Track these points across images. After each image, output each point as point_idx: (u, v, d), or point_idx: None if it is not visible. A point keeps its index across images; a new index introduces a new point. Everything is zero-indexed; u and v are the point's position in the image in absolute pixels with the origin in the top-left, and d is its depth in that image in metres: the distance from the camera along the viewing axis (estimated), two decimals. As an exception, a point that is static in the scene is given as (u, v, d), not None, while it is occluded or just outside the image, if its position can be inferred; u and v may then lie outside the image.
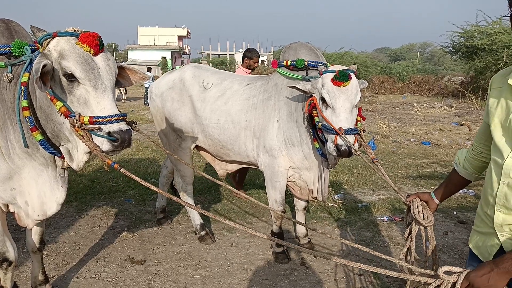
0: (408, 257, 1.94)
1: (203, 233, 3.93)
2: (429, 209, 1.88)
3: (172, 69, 21.09)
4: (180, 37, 60.06)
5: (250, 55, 5.20)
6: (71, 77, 1.93)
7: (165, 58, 49.14)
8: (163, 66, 45.54)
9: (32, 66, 2.11)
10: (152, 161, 6.91)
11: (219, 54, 63.09)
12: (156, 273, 3.29)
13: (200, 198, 5.13)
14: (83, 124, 1.91)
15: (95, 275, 3.24)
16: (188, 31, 61.75)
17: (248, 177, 6.01)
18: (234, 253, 3.68)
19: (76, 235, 4.00)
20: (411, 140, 9.41)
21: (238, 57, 55.20)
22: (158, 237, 4.00)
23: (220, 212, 4.72)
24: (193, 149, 3.93)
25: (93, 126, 1.92)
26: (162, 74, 27.56)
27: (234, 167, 4.02)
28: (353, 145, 2.74)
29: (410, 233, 1.91)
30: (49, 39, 1.98)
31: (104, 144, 1.94)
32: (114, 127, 1.94)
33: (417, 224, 1.86)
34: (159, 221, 4.30)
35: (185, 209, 4.34)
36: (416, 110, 15.59)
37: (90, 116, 1.92)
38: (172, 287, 3.10)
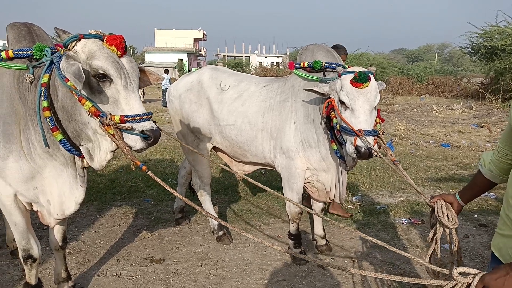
0: (433, 259, 1.91)
1: (220, 233, 3.95)
2: (454, 211, 1.86)
3: (188, 71, 21.25)
4: (196, 39, 60.50)
5: (338, 52, 4.71)
6: (102, 77, 1.98)
7: (181, 60, 49.61)
8: (180, 68, 45.95)
9: (52, 68, 2.17)
10: (170, 161, 6.99)
11: (234, 56, 63.37)
12: (175, 272, 3.33)
13: (218, 198, 5.16)
14: (116, 123, 1.96)
15: (116, 273, 3.29)
16: (204, 33, 62.15)
17: (264, 178, 6.03)
18: (251, 254, 3.69)
19: (97, 233, 4.07)
20: (430, 142, 9.28)
21: (254, 59, 55.37)
22: (177, 236, 4.05)
23: (237, 213, 4.74)
24: (211, 150, 3.97)
25: (125, 125, 1.97)
26: (179, 76, 27.82)
27: (251, 168, 4.04)
28: (373, 146, 2.74)
29: (434, 234, 1.89)
30: (75, 41, 2.03)
31: (138, 143, 2.00)
32: (146, 125, 2.00)
33: (441, 226, 1.84)
34: (177, 220, 4.35)
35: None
36: (435, 111, 15.38)
37: (121, 115, 1.97)
38: (190, 286, 3.13)
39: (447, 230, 1.84)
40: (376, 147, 2.77)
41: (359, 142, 2.74)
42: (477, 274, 1.34)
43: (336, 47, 4.49)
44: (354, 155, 2.79)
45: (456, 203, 1.88)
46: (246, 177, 2.61)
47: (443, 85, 23.79)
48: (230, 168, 3.95)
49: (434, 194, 2.10)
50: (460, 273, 1.36)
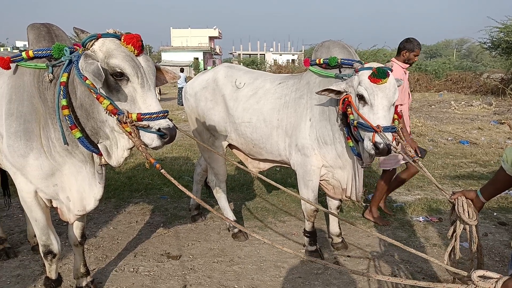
0: (452, 257, 1.89)
1: (236, 230, 3.97)
2: (475, 208, 1.83)
3: (204, 69, 21.36)
4: (211, 38, 60.70)
5: (411, 47, 4.16)
6: (119, 76, 2.02)
7: (197, 59, 49.81)
8: (195, 66, 46.18)
9: (71, 67, 2.22)
10: (186, 159, 7.05)
11: (250, 54, 63.33)
12: (191, 268, 3.36)
13: (233, 195, 5.19)
14: (133, 121, 1.99)
15: (133, 268, 3.34)
16: (219, 32, 62.34)
17: (279, 176, 6.03)
18: (266, 251, 3.70)
19: (115, 230, 4.14)
20: (448, 139, 9.12)
21: (269, 57, 55.27)
22: (193, 233, 4.09)
23: (252, 210, 4.75)
24: (226, 147, 3.99)
25: (141, 122, 2.00)
26: (195, 74, 28.04)
27: (266, 166, 4.04)
28: (392, 142, 2.71)
29: (454, 231, 1.86)
30: (93, 40, 2.07)
31: (155, 141, 2.03)
32: (163, 123, 2.03)
33: (461, 223, 1.82)
34: (193, 217, 4.39)
35: (218, 206, 4.40)
36: (453, 108, 15.13)
37: (137, 113, 2.00)
38: (207, 282, 3.16)
39: (467, 227, 1.81)
40: (394, 143, 2.75)
41: (377, 139, 2.72)
42: (499, 279, 1.28)
43: (409, 41, 4.19)
44: (373, 152, 2.77)
45: (478, 200, 1.85)
46: (260, 176, 2.63)
47: (462, 81, 23.38)
48: (244, 166, 3.96)
49: (455, 190, 2.07)
50: (480, 277, 1.31)
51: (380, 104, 2.76)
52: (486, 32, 19.58)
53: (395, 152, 2.68)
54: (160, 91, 20.20)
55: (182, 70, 19.83)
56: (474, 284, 1.31)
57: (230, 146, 4.01)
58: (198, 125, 3.97)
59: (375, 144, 2.72)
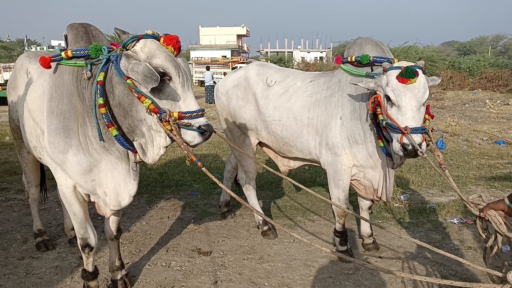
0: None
1: (265, 228, 3.98)
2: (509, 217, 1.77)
3: (233, 68, 21.46)
4: (239, 36, 60.88)
5: None
6: (161, 76, 2.06)
7: (225, 57, 50.09)
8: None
9: (108, 66, 2.27)
10: (215, 156, 7.12)
11: (277, 52, 63.22)
12: (221, 265, 3.40)
13: (262, 193, 5.20)
14: (176, 119, 2.04)
15: (166, 263, 3.41)
16: (247, 30, 62.43)
17: (308, 175, 6.00)
18: (296, 249, 3.69)
19: (147, 225, 4.23)
20: (483, 139, 8.83)
21: (296, 54, 54.95)
22: (223, 230, 4.13)
23: (281, 209, 4.75)
24: (257, 145, 4.00)
25: (183, 121, 2.05)
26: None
27: (296, 164, 4.03)
28: (421, 144, 2.64)
29: (492, 241, 1.81)
30: (135, 41, 2.12)
31: (196, 138, 2.10)
32: (202, 121, 2.09)
33: (503, 237, 1.76)
34: (223, 214, 4.43)
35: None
36: (489, 107, 14.63)
37: (179, 112, 2.06)
38: (237, 279, 3.19)
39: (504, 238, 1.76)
40: (424, 145, 2.68)
41: (405, 140, 2.66)
42: None
43: None
44: (401, 153, 2.72)
45: (508, 208, 1.78)
46: (288, 178, 2.57)
47: (498, 79, 22.61)
48: (271, 167, 3.96)
49: (479, 202, 2.00)
50: None
51: (409, 104, 2.70)
52: (525, 27, 18.80)
53: (422, 156, 2.59)
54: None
55: (208, 68, 20.00)
56: (510, 284, 1.32)
57: (261, 144, 4.02)
58: (229, 123, 4.00)
59: (403, 146, 2.68)
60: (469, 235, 3.98)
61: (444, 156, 6.93)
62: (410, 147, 2.65)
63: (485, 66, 27.10)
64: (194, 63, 27.52)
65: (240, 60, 23.77)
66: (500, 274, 1.43)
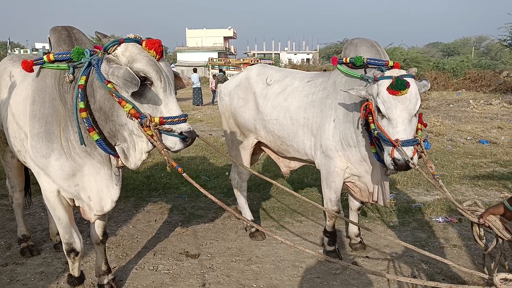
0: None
1: (253, 229, 3.98)
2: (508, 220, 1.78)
3: (219, 70, 21.41)
4: (226, 38, 60.80)
5: None
6: (142, 80, 2.04)
7: (212, 59, 49.98)
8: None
9: (89, 70, 2.25)
10: (202, 159, 7.09)
11: (264, 54, 63.27)
12: (209, 267, 3.39)
13: (250, 195, 5.18)
14: (157, 125, 2.02)
15: (153, 267, 3.39)
16: (234, 32, 62.41)
17: (295, 175, 6.02)
18: (284, 250, 3.70)
19: (134, 228, 4.20)
20: (467, 138, 8.98)
21: (283, 56, 55.13)
22: (211, 232, 4.12)
23: (268, 211, 4.76)
24: (254, 145, 3.99)
25: (164, 126, 2.03)
26: (209, 75, 28.22)
27: (297, 165, 4.02)
28: (412, 157, 2.59)
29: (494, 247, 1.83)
30: (116, 45, 2.10)
31: (177, 144, 2.07)
32: (184, 127, 2.06)
33: (506, 240, 1.78)
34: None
35: (236, 206, 4.42)
36: (472, 107, 14.87)
37: (160, 117, 2.04)
38: (225, 281, 3.18)
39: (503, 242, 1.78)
40: (416, 157, 2.62)
41: (396, 154, 2.60)
42: None
43: None
44: (392, 167, 2.67)
45: (508, 211, 1.78)
46: (274, 182, 2.57)
47: (481, 79, 22.98)
48: (259, 173, 3.97)
49: (475, 209, 2.01)
50: (502, 280, 1.31)
51: (400, 117, 2.62)
52: (506, 29, 19.32)
53: (414, 168, 2.56)
54: (176, 92, 20.31)
55: (195, 70, 19.91)
56: (496, 287, 1.31)
57: (261, 144, 4.03)
58: (230, 123, 4.03)
59: (393, 160, 2.62)
60: (454, 233, 4.05)
61: (429, 155, 7.01)
62: (400, 161, 2.58)
63: (469, 67, 27.56)
64: (210, 64, 27.65)
65: (251, 62, 23.69)
66: (486, 276, 1.44)
